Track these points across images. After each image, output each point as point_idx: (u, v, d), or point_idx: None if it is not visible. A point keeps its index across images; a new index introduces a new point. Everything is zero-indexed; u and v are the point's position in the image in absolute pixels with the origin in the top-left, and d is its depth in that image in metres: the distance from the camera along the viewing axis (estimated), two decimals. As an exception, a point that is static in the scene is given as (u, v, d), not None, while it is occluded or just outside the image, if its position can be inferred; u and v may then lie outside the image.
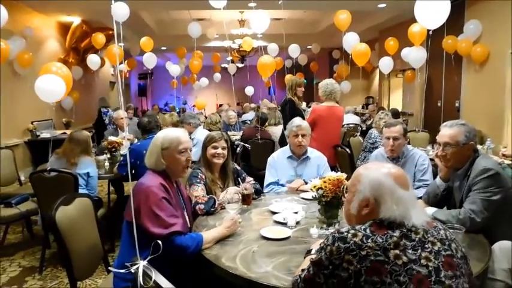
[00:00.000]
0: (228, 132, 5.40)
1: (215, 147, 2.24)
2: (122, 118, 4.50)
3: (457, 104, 6.69)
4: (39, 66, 6.53)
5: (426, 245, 1.06)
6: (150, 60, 6.85)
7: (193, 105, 10.25)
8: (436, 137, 2.02)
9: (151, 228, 1.57)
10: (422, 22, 3.51)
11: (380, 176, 1.14)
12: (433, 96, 7.12)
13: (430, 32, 4.15)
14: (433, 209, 1.93)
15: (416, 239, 1.07)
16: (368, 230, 1.08)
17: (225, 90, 15.06)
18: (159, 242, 1.36)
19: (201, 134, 4.30)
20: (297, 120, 2.75)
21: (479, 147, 3.30)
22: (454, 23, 6.09)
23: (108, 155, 3.80)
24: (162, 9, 8.22)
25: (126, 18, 5.01)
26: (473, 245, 1.63)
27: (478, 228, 1.75)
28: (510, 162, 3.27)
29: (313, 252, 1.37)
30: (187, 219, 1.85)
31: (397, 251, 1.03)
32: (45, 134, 6.18)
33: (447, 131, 1.94)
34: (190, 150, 1.85)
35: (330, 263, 1.07)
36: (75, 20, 7.55)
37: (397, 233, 1.06)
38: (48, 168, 2.86)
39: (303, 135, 2.64)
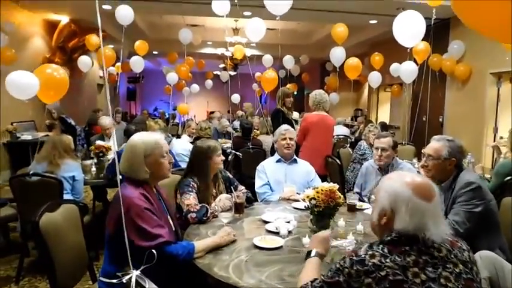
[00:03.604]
0: (219, 140, 5.40)
1: (217, 157, 2.27)
2: (108, 128, 4.45)
3: (440, 119, 6.89)
4: (22, 65, 6.39)
5: (448, 265, 1.05)
6: (137, 64, 6.75)
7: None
8: (423, 149, 2.11)
9: (137, 242, 1.51)
10: (400, 40, 3.62)
11: (398, 186, 1.12)
12: (419, 111, 7.30)
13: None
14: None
15: (439, 257, 1.05)
16: (386, 249, 1.06)
17: (216, 98, 15.05)
18: (154, 251, 1.33)
19: (179, 144, 4.25)
20: (284, 126, 2.92)
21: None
22: (440, 42, 6.35)
23: (95, 160, 3.72)
24: (156, 14, 8.20)
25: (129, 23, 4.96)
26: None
27: (461, 239, 1.80)
28: (488, 176, 3.37)
29: (313, 254, 1.37)
30: (171, 223, 1.82)
31: (416, 269, 1.02)
32: (26, 136, 5.95)
33: (433, 144, 2.03)
34: (168, 152, 1.82)
35: (348, 285, 1.06)
36: (63, 18, 7.39)
37: (415, 250, 1.05)
38: (30, 173, 2.75)
39: (290, 138, 2.78)
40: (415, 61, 5.27)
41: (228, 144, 5.14)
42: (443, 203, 2.01)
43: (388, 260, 1.03)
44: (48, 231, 1.65)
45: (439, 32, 6.52)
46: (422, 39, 3.95)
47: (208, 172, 2.24)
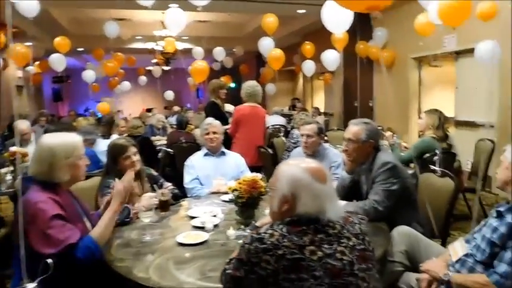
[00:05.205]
0: (153, 137, 5.20)
1: (128, 157, 2.14)
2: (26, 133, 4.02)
3: (370, 104, 7.35)
4: None
5: (342, 240, 1.11)
6: (58, 62, 6.17)
7: (118, 111, 9.65)
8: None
9: (42, 249, 1.42)
10: (329, 27, 3.77)
11: (297, 172, 1.16)
12: (350, 97, 7.73)
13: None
14: (343, 202, 2.06)
15: (333, 233, 1.11)
16: (285, 229, 1.10)
17: (151, 94, 14.48)
18: (49, 260, 1.24)
19: (106, 144, 4.02)
20: (208, 119, 2.88)
21: (385, 142, 3.66)
22: (365, 30, 6.69)
23: (11, 168, 3.38)
24: (76, 8, 7.58)
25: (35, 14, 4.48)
26: (376, 232, 1.78)
27: (382, 216, 1.93)
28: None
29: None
30: (88, 225, 1.72)
31: (313, 247, 1.07)
32: None
33: (352, 128, 2.11)
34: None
35: (249, 260, 1.09)
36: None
37: (311, 229, 1.09)
38: None
39: (214, 132, 2.75)
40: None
41: (162, 141, 4.99)
42: (365, 183, 2.12)
43: (285, 240, 1.07)
44: None
45: (363, 20, 6.87)
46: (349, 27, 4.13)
47: (123, 172, 2.13)
